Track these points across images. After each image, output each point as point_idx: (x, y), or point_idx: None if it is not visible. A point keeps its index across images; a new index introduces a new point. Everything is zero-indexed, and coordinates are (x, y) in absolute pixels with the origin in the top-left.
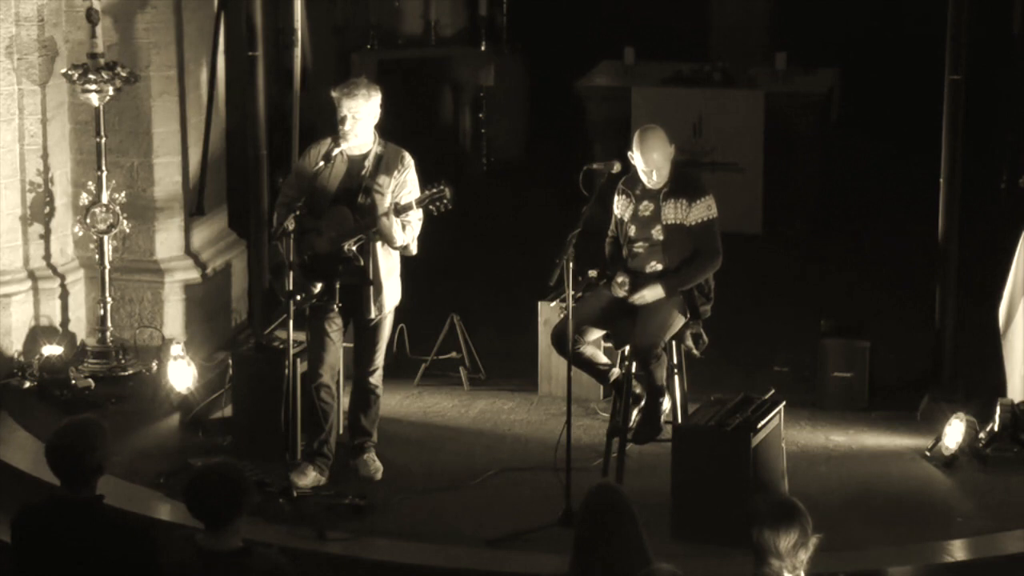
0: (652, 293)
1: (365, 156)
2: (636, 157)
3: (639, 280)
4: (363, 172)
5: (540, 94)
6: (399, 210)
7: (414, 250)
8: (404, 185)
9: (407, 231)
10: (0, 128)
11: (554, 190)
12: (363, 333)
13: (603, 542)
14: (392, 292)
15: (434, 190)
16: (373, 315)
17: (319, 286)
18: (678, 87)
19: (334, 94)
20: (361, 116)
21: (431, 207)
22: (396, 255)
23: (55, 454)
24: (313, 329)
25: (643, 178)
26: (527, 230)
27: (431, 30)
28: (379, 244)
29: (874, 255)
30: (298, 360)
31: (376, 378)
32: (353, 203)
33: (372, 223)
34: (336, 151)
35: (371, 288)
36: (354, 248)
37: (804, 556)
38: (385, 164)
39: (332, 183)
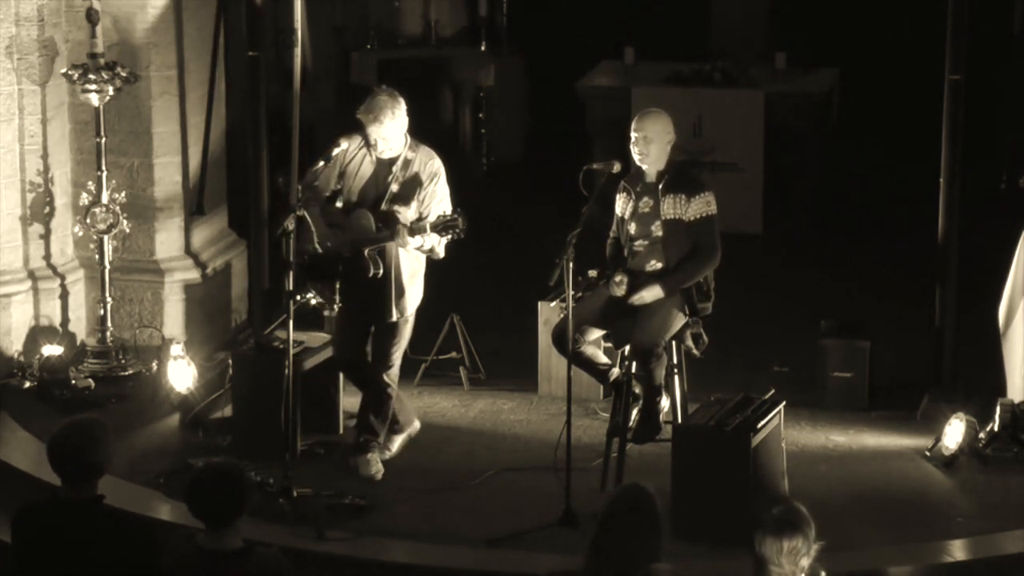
0: (651, 294)
1: (394, 161)
2: (632, 129)
3: (638, 280)
4: (389, 178)
5: (540, 94)
6: (414, 230)
7: (441, 253)
8: (433, 196)
9: (427, 240)
10: (0, 128)
11: (554, 190)
12: (382, 331)
13: (620, 542)
14: (414, 294)
15: (448, 218)
16: (394, 317)
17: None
18: (678, 87)
19: (359, 117)
20: (391, 135)
21: (443, 234)
22: (422, 256)
23: (57, 452)
24: (340, 317)
25: (632, 151)
26: (527, 230)
27: (431, 30)
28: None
29: (874, 255)
30: (298, 360)
31: (390, 376)
32: (376, 208)
33: (389, 237)
34: (336, 151)
35: (392, 290)
36: (376, 255)
37: (805, 563)
38: (414, 172)
39: (358, 184)
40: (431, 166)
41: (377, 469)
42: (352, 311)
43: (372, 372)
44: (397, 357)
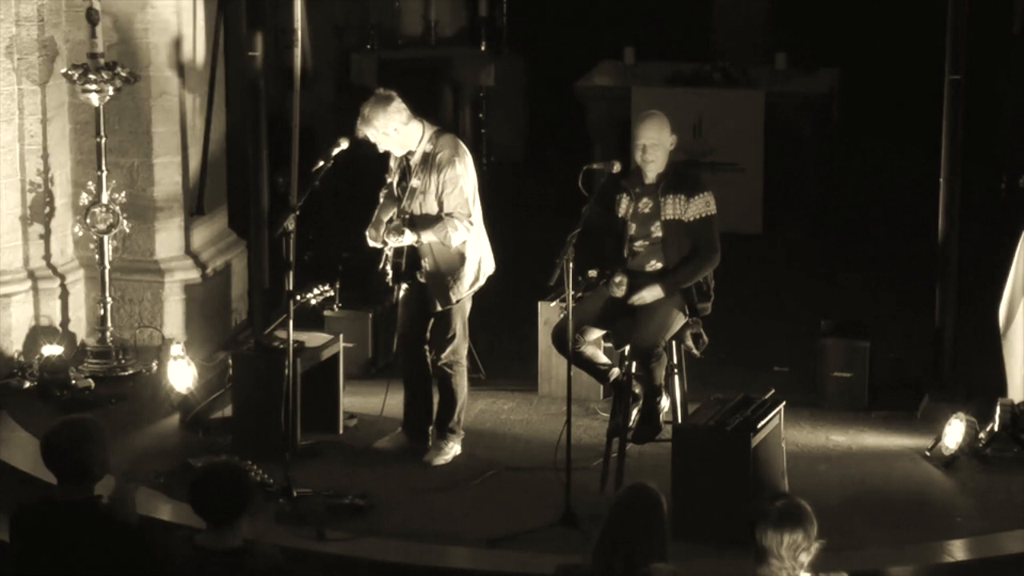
0: (651, 294)
1: (411, 157)
2: (633, 133)
3: (638, 280)
4: (410, 174)
5: (540, 94)
6: (392, 229)
7: (452, 243)
8: (444, 185)
9: (427, 235)
10: (0, 128)
11: (554, 190)
12: (435, 321)
13: (628, 540)
14: (461, 282)
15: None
16: (439, 308)
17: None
18: (678, 87)
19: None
20: (379, 138)
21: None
22: (460, 249)
23: (50, 449)
24: (400, 307)
25: (637, 156)
26: (527, 230)
27: (431, 30)
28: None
29: (874, 255)
30: (298, 360)
31: (450, 365)
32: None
33: (387, 234)
34: (337, 150)
35: (432, 282)
36: (391, 248)
37: (805, 559)
38: (430, 164)
39: (393, 185)
40: (443, 156)
41: (435, 457)
42: (407, 303)
43: (432, 360)
44: (454, 344)
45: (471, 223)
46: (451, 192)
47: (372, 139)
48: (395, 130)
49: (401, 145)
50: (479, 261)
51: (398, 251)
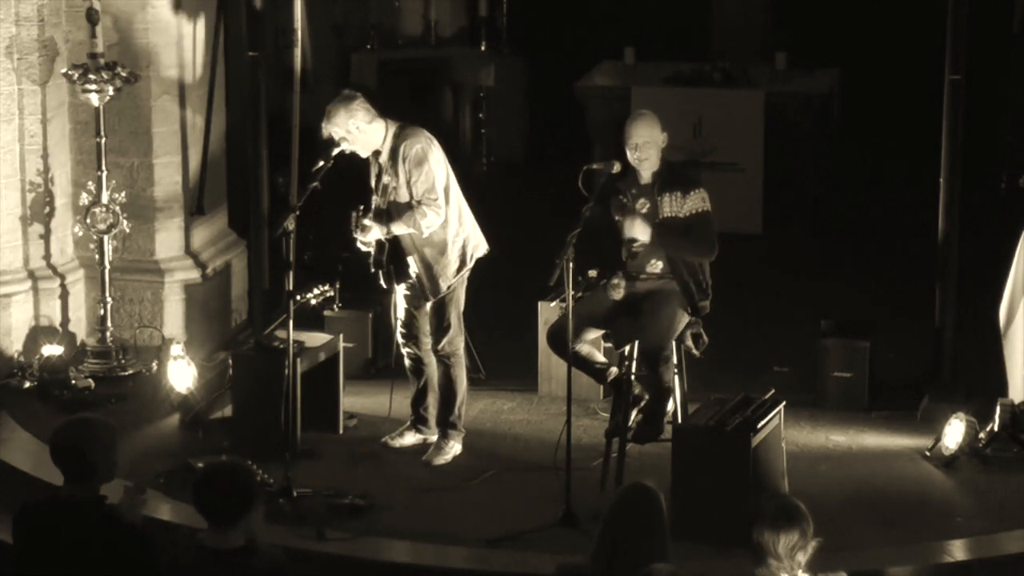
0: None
1: (379, 154)
2: (625, 134)
3: (637, 281)
4: (381, 171)
5: (540, 94)
6: (363, 226)
7: (424, 231)
8: (411, 174)
9: (398, 226)
10: (0, 128)
11: (554, 190)
12: (430, 312)
13: (629, 540)
14: (447, 269)
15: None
16: (431, 299)
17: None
18: (678, 87)
19: None
20: (343, 136)
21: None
22: (441, 237)
23: (58, 445)
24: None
25: (630, 157)
26: (527, 230)
27: (431, 30)
28: (411, 235)
29: (874, 255)
30: (298, 360)
31: (447, 356)
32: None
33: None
34: (336, 150)
35: (423, 276)
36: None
37: (802, 558)
38: (398, 158)
39: (372, 184)
40: (405, 150)
41: (436, 456)
42: (402, 300)
43: (433, 350)
44: (450, 335)
45: (440, 207)
46: (417, 180)
47: (336, 138)
48: (357, 128)
49: (365, 145)
50: (463, 244)
51: (380, 248)
